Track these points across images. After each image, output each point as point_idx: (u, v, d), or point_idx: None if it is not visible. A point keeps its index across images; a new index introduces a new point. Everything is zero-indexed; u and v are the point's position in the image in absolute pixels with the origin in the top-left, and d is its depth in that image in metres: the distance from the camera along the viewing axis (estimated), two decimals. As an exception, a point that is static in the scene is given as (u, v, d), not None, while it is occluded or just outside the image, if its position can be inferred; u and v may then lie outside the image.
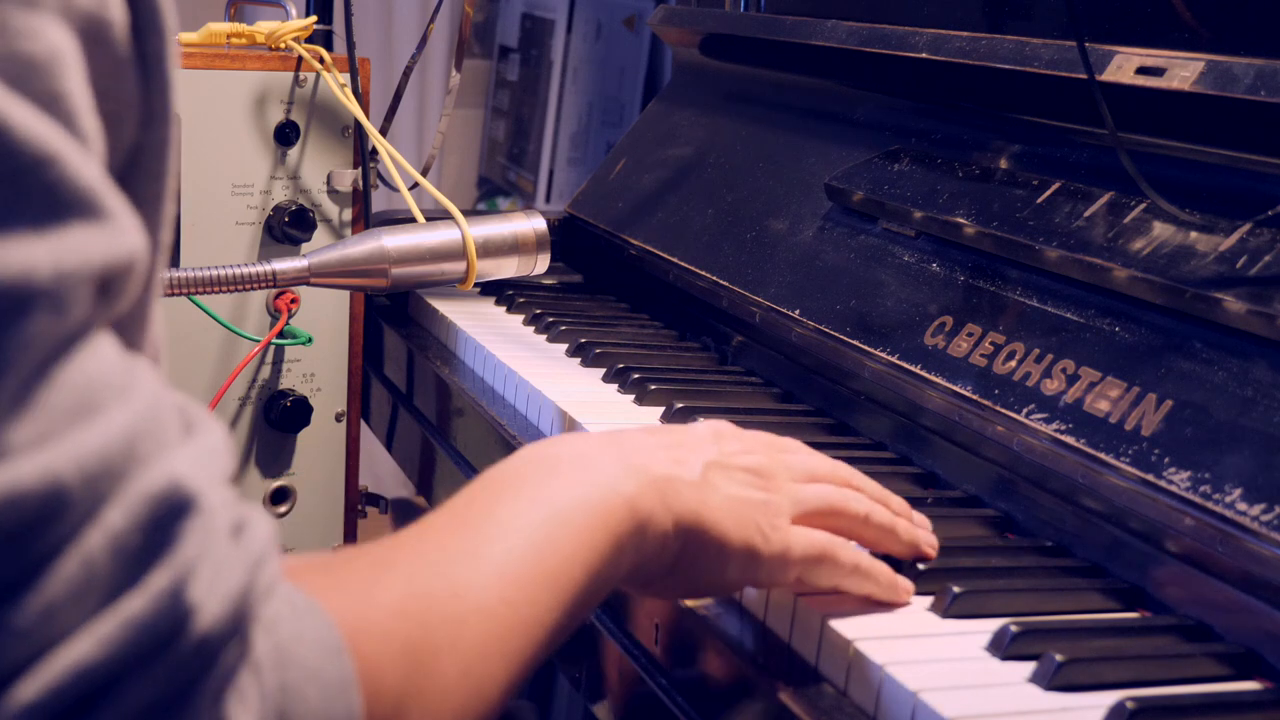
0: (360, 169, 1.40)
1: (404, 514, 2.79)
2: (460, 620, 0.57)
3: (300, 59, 1.35)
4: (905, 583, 0.76)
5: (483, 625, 0.58)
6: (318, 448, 1.42)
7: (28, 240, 0.41)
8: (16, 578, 0.41)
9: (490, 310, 1.38)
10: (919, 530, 0.79)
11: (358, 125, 1.38)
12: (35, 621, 0.41)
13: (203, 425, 0.48)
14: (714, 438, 0.76)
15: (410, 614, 0.55)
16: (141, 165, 0.49)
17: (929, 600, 0.76)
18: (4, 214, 0.41)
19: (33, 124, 0.41)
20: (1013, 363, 0.91)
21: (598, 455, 0.68)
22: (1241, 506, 0.71)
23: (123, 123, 0.47)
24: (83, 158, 0.43)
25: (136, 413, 0.44)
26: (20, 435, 0.41)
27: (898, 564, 0.78)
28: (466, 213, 1.33)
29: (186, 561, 0.43)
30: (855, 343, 1.03)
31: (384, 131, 1.41)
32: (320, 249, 1.25)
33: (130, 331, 0.49)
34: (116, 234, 0.44)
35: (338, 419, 1.43)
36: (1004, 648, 0.70)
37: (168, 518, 0.44)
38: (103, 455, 0.42)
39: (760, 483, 0.73)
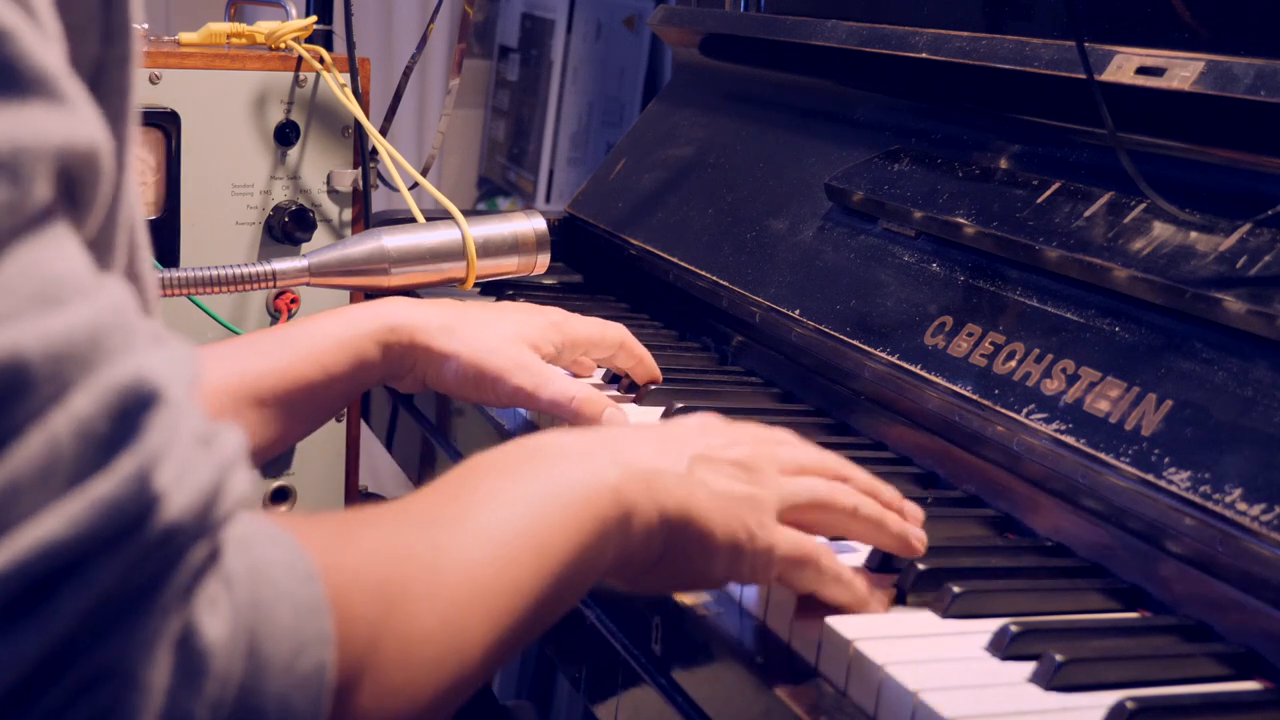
0: (360, 169, 1.40)
1: (404, 514, 2.79)
2: (439, 570, 0.57)
3: (300, 59, 1.35)
4: (880, 597, 0.76)
5: (463, 579, 0.58)
6: (318, 448, 1.42)
7: None
8: None
9: (490, 310, 1.38)
10: (909, 525, 0.78)
11: (358, 125, 1.38)
12: None
13: (172, 339, 0.48)
14: (701, 431, 0.76)
15: (386, 558, 0.56)
16: (105, 81, 0.49)
17: (929, 601, 0.76)
18: None
19: None
20: (1013, 363, 0.91)
21: (584, 446, 0.68)
22: (1241, 506, 0.71)
23: (84, 36, 0.48)
24: (41, 41, 0.43)
25: (103, 310, 0.44)
26: None
27: (890, 559, 0.79)
28: (466, 213, 1.33)
29: (153, 450, 0.44)
30: (855, 343, 1.04)
31: (384, 131, 1.41)
32: (320, 249, 1.25)
33: (98, 256, 0.49)
34: (75, 120, 0.44)
35: (337, 419, 1.43)
36: (1004, 648, 0.70)
37: (135, 408, 0.44)
38: (68, 340, 0.42)
39: (747, 476, 0.73)
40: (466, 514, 0.61)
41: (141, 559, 0.43)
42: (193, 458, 0.45)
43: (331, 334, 1.00)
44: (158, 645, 0.44)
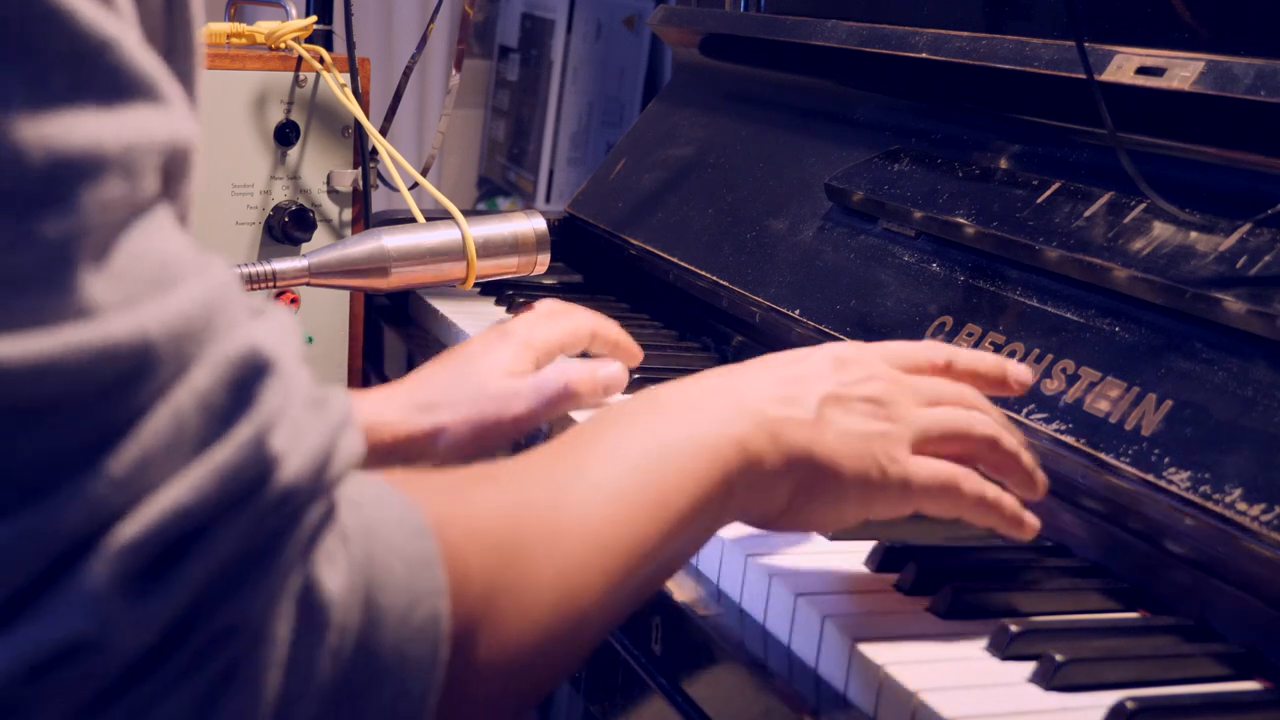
0: (360, 169, 1.40)
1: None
2: (557, 524, 0.58)
3: (300, 59, 1.35)
4: (1031, 519, 0.74)
5: (581, 534, 0.58)
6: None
7: (96, 116, 0.44)
8: (112, 430, 0.43)
9: (490, 310, 1.38)
10: (1039, 471, 0.77)
11: (358, 125, 1.38)
12: (131, 470, 0.43)
13: (272, 309, 0.50)
14: (834, 366, 0.73)
15: (502, 512, 0.57)
16: (173, 63, 0.51)
17: (929, 600, 0.76)
18: (73, 92, 0.43)
19: (95, 13, 0.44)
20: (1013, 363, 0.91)
21: (710, 396, 0.68)
22: (1241, 506, 0.71)
23: (152, 33, 0.50)
24: (139, 44, 0.46)
25: (212, 287, 0.47)
26: (107, 295, 0.43)
27: (890, 558, 0.78)
28: (466, 213, 1.33)
29: (268, 415, 0.46)
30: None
31: (384, 131, 1.41)
32: (320, 249, 1.25)
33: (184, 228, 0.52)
34: (175, 117, 0.47)
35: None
36: (1004, 648, 0.70)
37: (249, 378, 0.46)
38: (186, 319, 0.45)
39: (881, 412, 0.71)
40: (586, 468, 0.61)
41: (262, 520, 0.46)
42: (305, 421, 0.48)
43: None
44: (280, 600, 0.46)
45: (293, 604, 0.47)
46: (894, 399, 0.72)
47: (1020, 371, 0.79)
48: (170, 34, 0.51)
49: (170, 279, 0.46)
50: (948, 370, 0.77)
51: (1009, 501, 0.73)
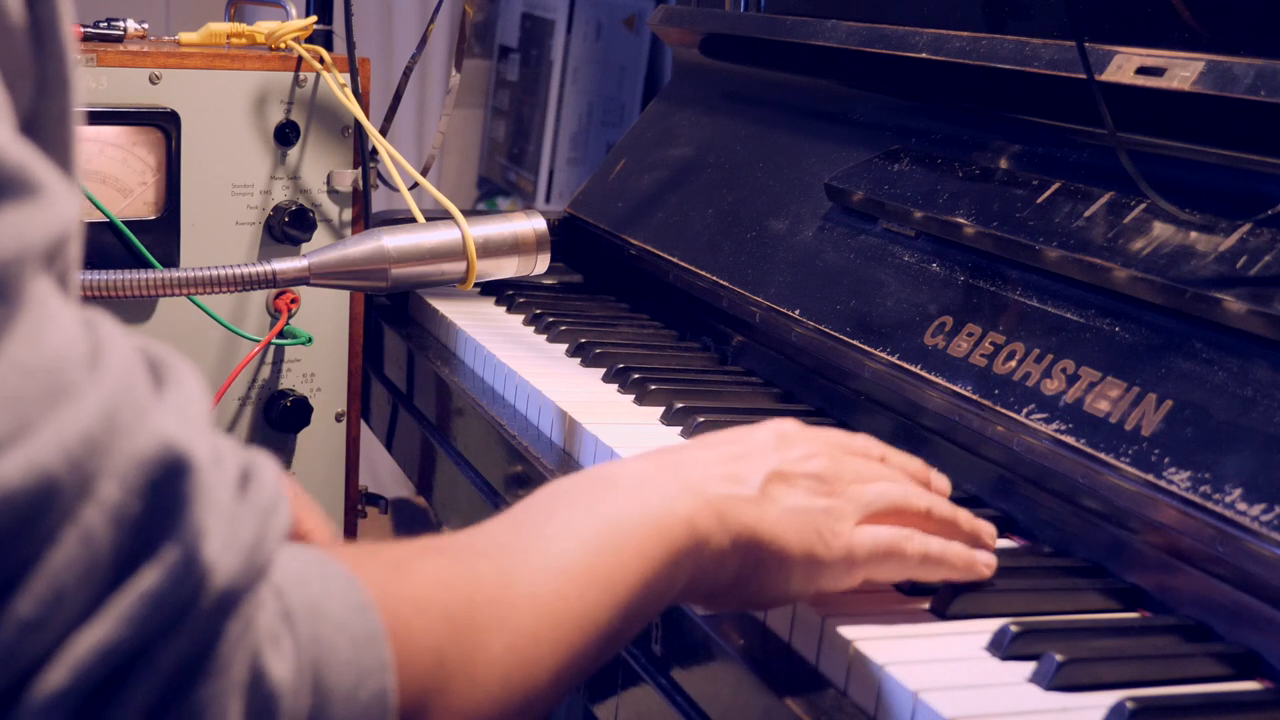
0: (360, 169, 1.40)
1: (404, 514, 2.79)
2: (507, 599, 0.58)
3: (300, 59, 1.35)
4: (985, 557, 0.75)
5: (531, 608, 0.58)
6: (318, 448, 1.42)
7: None
8: (15, 570, 0.40)
9: (490, 310, 1.38)
10: (979, 521, 0.78)
11: (358, 125, 1.38)
12: (43, 607, 0.40)
13: (171, 372, 0.47)
14: (776, 443, 0.74)
15: (453, 587, 0.56)
16: (41, 134, 0.47)
17: (929, 600, 0.76)
18: None
19: None
20: (1013, 363, 0.91)
21: (654, 475, 0.68)
22: (1241, 506, 0.71)
23: (16, 89, 0.46)
24: (5, 126, 0.42)
25: (110, 383, 0.43)
26: None
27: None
28: (466, 213, 1.33)
29: (195, 524, 0.43)
30: (855, 343, 1.03)
31: (384, 131, 1.41)
32: (320, 249, 1.25)
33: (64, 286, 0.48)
34: (53, 207, 0.43)
35: (338, 419, 1.43)
36: (1004, 648, 0.70)
37: (164, 479, 0.43)
38: (85, 436, 0.41)
39: (823, 488, 0.72)
40: (535, 544, 0.61)
41: (200, 632, 0.43)
42: (233, 515, 0.45)
43: None
44: (228, 698, 0.44)
45: (241, 697, 0.45)
46: (836, 475, 0.74)
47: (942, 482, 0.82)
48: (42, 70, 0.47)
49: (62, 388, 0.41)
50: (882, 462, 0.79)
51: (955, 551, 0.74)
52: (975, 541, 0.77)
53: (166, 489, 0.43)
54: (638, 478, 0.68)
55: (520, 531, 0.62)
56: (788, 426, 0.76)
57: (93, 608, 0.41)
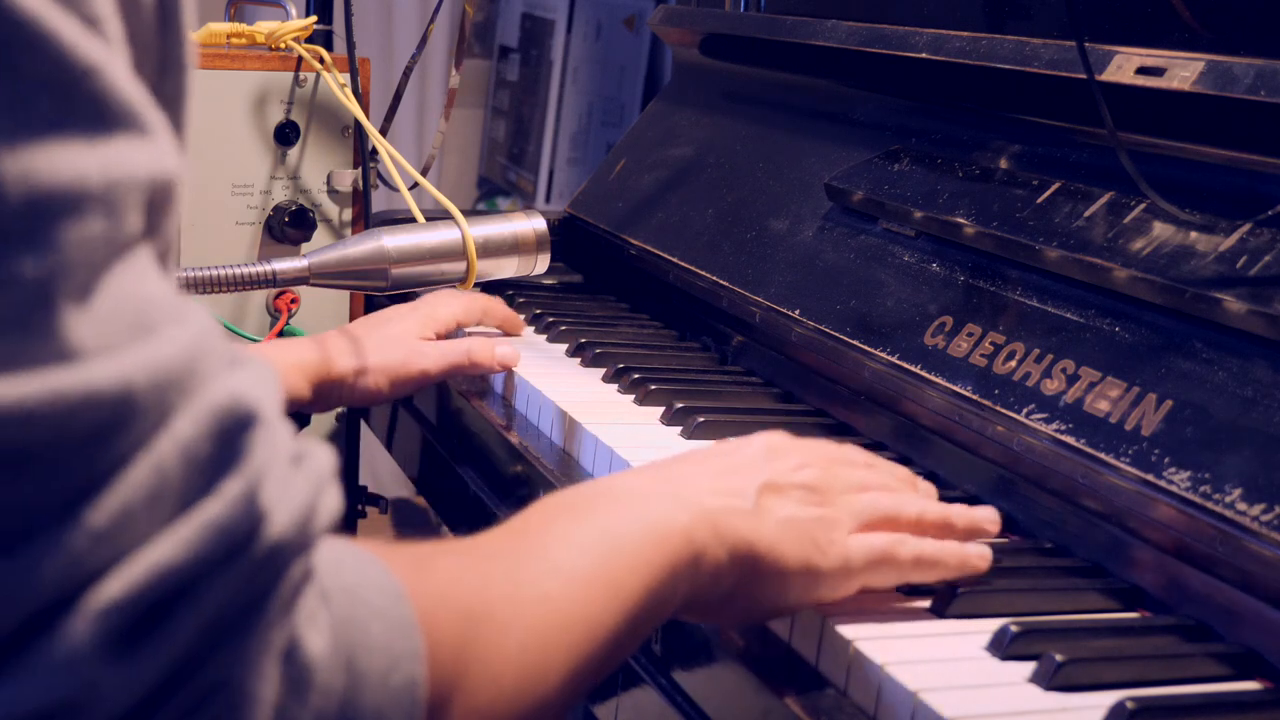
0: (360, 169, 1.40)
1: (404, 514, 2.79)
2: (518, 600, 0.59)
3: (300, 59, 1.35)
4: (977, 549, 0.76)
5: (541, 610, 0.59)
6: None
7: (79, 148, 0.42)
8: (92, 481, 0.41)
9: (490, 310, 1.38)
10: (974, 511, 0.79)
11: (358, 125, 1.38)
12: (112, 524, 0.41)
13: (249, 357, 0.49)
14: (767, 456, 0.75)
15: (468, 585, 0.57)
16: (163, 94, 0.49)
17: (929, 600, 0.76)
18: (55, 122, 0.41)
19: (79, 36, 0.42)
20: (1013, 363, 0.91)
21: (651, 489, 0.70)
22: (1241, 506, 0.71)
23: (141, 66, 0.48)
24: (125, 71, 0.44)
25: (194, 335, 0.45)
26: (88, 339, 0.42)
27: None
28: (466, 213, 1.33)
29: (256, 469, 0.45)
30: (855, 343, 1.03)
31: (384, 131, 1.41)
32: (320, 249, 1.25)
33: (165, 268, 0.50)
34: (160, 150, 0.45)
35: (338, 419, 1.43)
36: (1004, 648, 0.70)
37: (234, 429, 0.45)
38: (169, 368, 0.43)
39: (816, 498, 0.73)
40: (541, 551, 0.62)
41: (250, 577, 0.44)
42: (290, 476, 0.46)
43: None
44: (266, 658, 0.45)
45: (277, 663, 0.46)
46: (828, 485, 0.75)
47: (928, 488, 0.82)
48: (164, 49, 0.49)
49: (151, 324, 0.44)
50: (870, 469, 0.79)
51: (948, 551, 0.75)
52: (972, 534, 0.78)
53: (235, 437, 0.45)
54: (635, 492, 0.69)
55: (526, 538, 0.63)
56: (777, 439, 0.77)
57: (154, 532, 0.43)
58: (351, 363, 1.15)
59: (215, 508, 0.44)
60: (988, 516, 0.79)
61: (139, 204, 0.44)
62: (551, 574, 0.61)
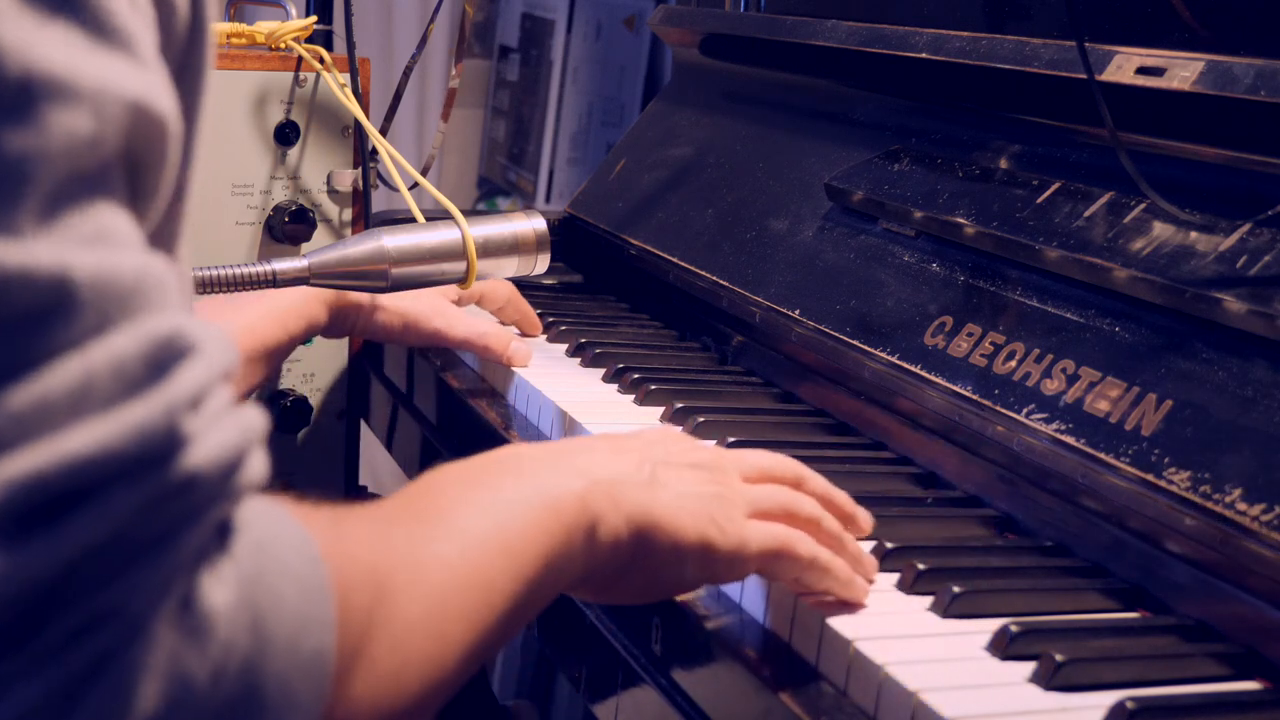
0: (360, 169, 1.40)
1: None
2: (419, 564, 0.58)
3: (300, 59, 1.35)
4: (862, 583, 0.75)
5: (442, 574, 0.59)
6: (318, 448, 1.42)
7: (78, 46, 0.42)
8: (17, 364, 0.41)
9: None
10: (864, 551, 0.78)
11: (358, 125, 1.38)
12: (29, 409, 0.41)
13: (210, 323, 0.49)
14: (661, 437, 0.76)
15: (376, 549, 0.56)
16: (185, 79, 0.51)
17: (929, 600, 0.76)
18: (61, 11, 0.42)
19: None
20: (1013, 363, 0.91)
21: (546, 460, 0.69)
22: (1241, 506, 0.71)
23: (172, 31, 0.49)
24: (129, 8, 0.45)
25: (151, 265, 0.45)
26: (40, 229, 0.41)
27: (889, 557, 0.78)
28: (466, 213, 1.33)
29: (187, 396, 0.44)
30: (855, 343, 1.03)
31: (384, 131, 1.41)
32: (320, 249, 1.25)
33: (160, 248, 0.50)
34: (151, 81, 0.45)
35: (338, 419, 1.43)
36: (1004, 648, 0.70)
37: (170, 360, 0.44)
38: (113, 279, 0.43)
39: (712, 478, 0.73)
40: (439, 516, 0.62)
41: (162, 499, 0.43)
42: (221, 419, 0.46)
43: (286, 299, 1.15)
44: (165, 597, 0.43)
45: (176, 608, 0.44)
46: (721, 468, 0.75)
47: (866, 517, 0.81)
48: (189, 52, 0.50)
49: (109, 240, 0.44)
50: (798, 485, 0.78)
51: (841, 566, 0.74)
52: (857, 565, 0.76)
53: (170, 365, 0.44)
54: (529, 462, 0.69)
55: (423, 504, 0.63)
56: (671, 429, 0.80)
57: (68, 428, 0.42)
58: (371, 298, 1.19)
59: (138, 411, 0.43)
60: (870, 561, 0.78)
61: (122, 124, 0.44)
62: (448, 538, 0.60)
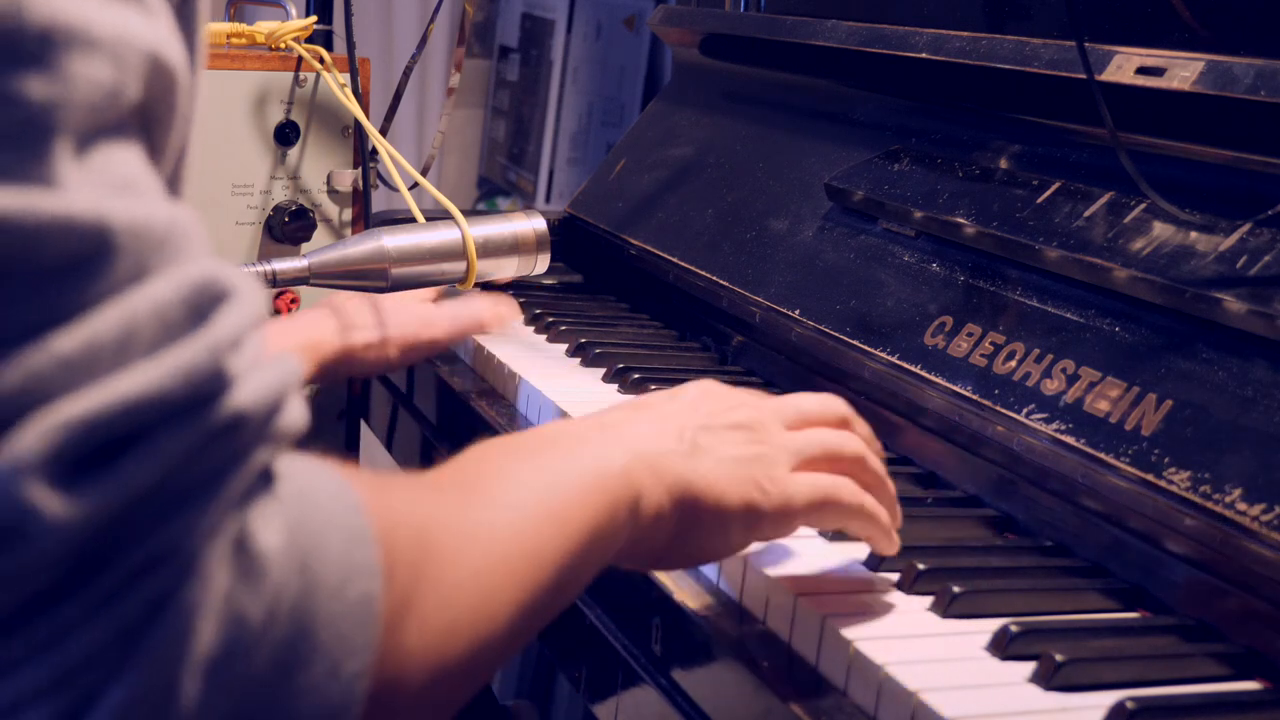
0: (360, 169, 1.40)
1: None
2: (467, 530, 0.58)
3: (300, 59, 1.35)
4: (896, 538, 0.76)
5: (490, 540, 0.59)
6: (317, 448, 1.42)
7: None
8: (61, 310, 0.42)
9: (490, 310, 1.37)
10: (897, 503, 0.78)
11: (358, 125, 1.38)
12: (78, 354, 0.41)
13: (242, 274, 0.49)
14: (699, 397, 0.76)
15: (422, 511, 0.57)
16: (184, 16, 0.51)
17: (929, 600, 0.76)
18: None
19: None
20: (1013, 363, 0.91)
21: (589, 433, 0.69)
22: (1241, 506, 0.71)
23: None
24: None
25: (181, 215, 0.45)
26: (73, 178, 0.42)
27: (886, 559, 0.78)
28: (466, 213, 1.33)
29: (227, 338, 0.45)
30: (855, 343, 1.03)
31: (384, 131, 1.41)
32: (320, 249, 1.25)
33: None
34: (163, 32, 0.46)
35: (338, 419, 1.43)
36: (1004, 648, 0.70)
37: (209, 304, 0.45)
38: (149, 225, 0.44)
39: (752, 436, 0.73)
40: (486, 486, 0.62)
41: (209, 441, 0.44)
42: (262, 362, 0.46)
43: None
44: (218, 537, 0.44)
45: (229, 549, 0.44)
46: (761, 424, 0.74)
47: (865, 430, 0.80)
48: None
49: (138, 190, 0.44)
50: (843, 426, 0.78)
51: (884, 515, 0.75)
52: (891, 506, 0.77)
53: (210, 309, 0.45)
54: (573, 436, 0.69)
55: (471, 476, 0.63)
56: (709, 384, 0.77)
57: (117, 373, 0.42)
58: (355, 337, 1.16)
59: (185, 354, 0.43)
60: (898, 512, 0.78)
61: (140, 74, 0.45)
62: (495, 506, 0.61)
